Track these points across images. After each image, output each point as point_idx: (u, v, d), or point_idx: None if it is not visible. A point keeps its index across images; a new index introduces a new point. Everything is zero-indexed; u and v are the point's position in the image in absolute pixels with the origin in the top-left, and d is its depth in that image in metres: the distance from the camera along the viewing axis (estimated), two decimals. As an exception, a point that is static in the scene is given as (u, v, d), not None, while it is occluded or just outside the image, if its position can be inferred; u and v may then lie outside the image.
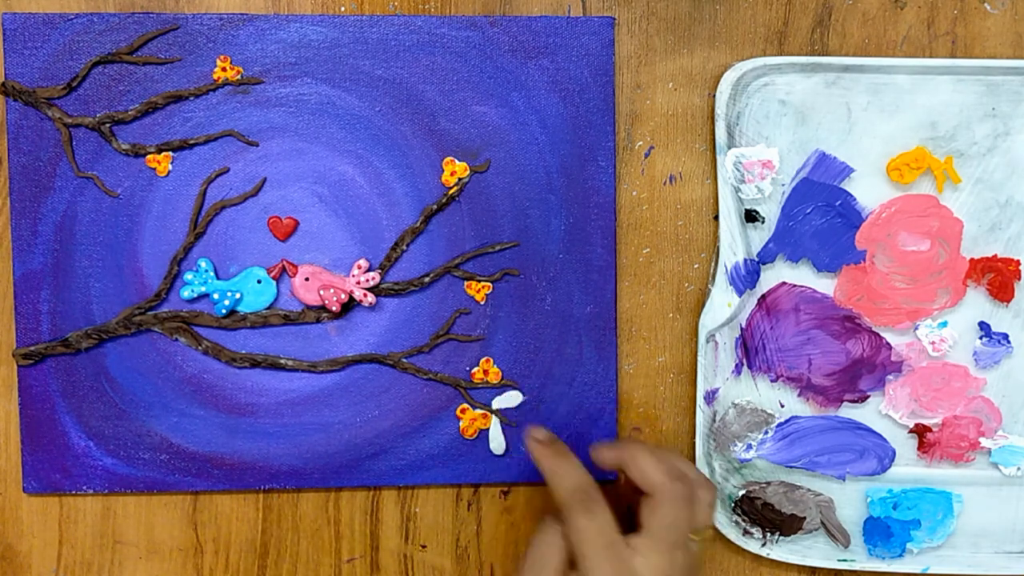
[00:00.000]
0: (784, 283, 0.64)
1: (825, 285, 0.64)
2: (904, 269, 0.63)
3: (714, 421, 0.64)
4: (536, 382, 0.64)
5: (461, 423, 0.63)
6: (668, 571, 0.51)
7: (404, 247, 0.63)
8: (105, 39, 0.61)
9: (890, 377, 0.64)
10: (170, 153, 0.61)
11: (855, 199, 0.63)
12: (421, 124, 0.62)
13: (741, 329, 0.64)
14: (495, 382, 0.63)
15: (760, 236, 0.64)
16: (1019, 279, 0.63)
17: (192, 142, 0.61)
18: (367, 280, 0.62)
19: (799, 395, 0.64)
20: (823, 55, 0.64)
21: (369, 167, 0.62)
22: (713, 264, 0.64)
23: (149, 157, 0.61)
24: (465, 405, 0.63)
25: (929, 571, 0.64)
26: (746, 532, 0.64)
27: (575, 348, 0.64)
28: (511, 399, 0.64)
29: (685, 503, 0.52)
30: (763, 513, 0.64)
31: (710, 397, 0.64)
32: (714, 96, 0.63)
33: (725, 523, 0.64)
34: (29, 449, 0.62)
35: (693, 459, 0.65)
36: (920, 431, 0.64)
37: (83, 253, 0.61)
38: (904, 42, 0.64)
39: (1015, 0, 0.64)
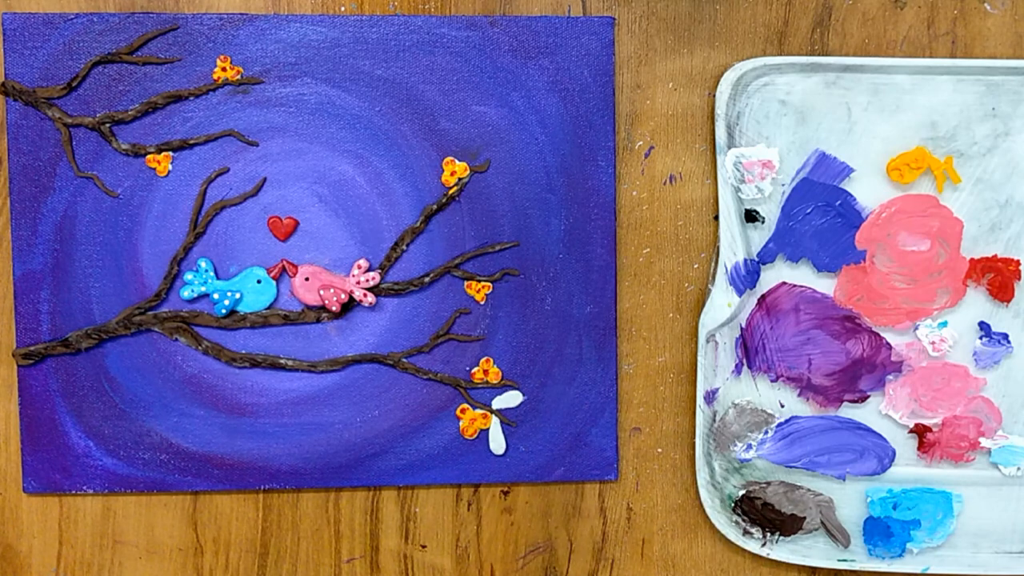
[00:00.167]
0: (784, 283, 0.64)
1: (825, 285, 0.64)
2: (904, 269, 0.63)
3: (714, 421, 0.64)
4: (536, 382, 0.64)
5: (461, 423, 0.63)
6: None
7: (404, 247, 0.63)
8: (105, 39, 0.61)
9: (890, 377, 0.64)
10: (170, 153, 0.61)
11: (855, 199, 0.63)
12: (421, 124, 0.62)
13: (741, 329, 0.64)
14: (495, 382, 0.63)
15: (760, 236, 0.64)
16: (1019, 279, 0.63)
17: (192, 142, 0.61)
18: (367, 280, 0.62)
19: (799, 395, 0.64)
20: (823, 55, 0.64)
21: (369, 167, 0.62)
22: (713, 264, 0.64)
23: (149, 157, 0.61)
24: (465, 405, 0.63)
25: (929, 571, 0.64)
26: (746, 532, 0.64)
27: (575, 348, 0.64)
28: (511, 399, 0.64)
29: None
30: (763, 513, 0.64)
31: (710, 397, 0.64)
32: (714, 96, 0.63)
33: (725, 523, 0.64)
34: (29, 449, 0.62)
35: (693, 459, 0.65)
36: (920, 431, 0.64)
37: (83, 253, 0.61)
38: (904, 42, 0.64)
39: (1015, 0, 0.64)
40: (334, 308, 0.61)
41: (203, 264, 0.62)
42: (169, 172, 0.62)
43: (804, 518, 0.64)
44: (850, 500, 0.65)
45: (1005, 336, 0.64)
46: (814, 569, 0.66)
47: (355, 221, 0.63)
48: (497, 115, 0.62)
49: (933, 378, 0.64)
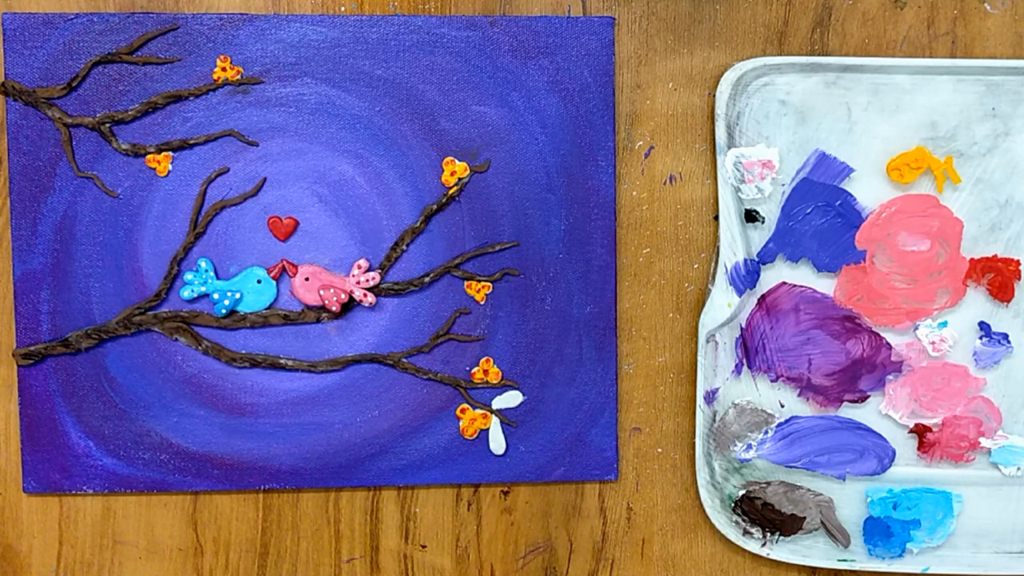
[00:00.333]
0: (784, 283, 0.64)
1: (825, 285, 0.64)
2: (904, 269, 0.63)
3: (714, 421, 0.64)
4: (536, 382, 0.64)
5: (461, 423, 0.63)
6: None
7: (404, 247, 0.63)
8: (105, 39, 0.61)
9: (890, 377, 0.64)
10: (170, 153, 0.61)
11: (855, 199, 0.63)
12: (421, 124, 0.62)
13: (741, 329, 0.64)
14: (495, 382, 0.63)
15: (760, 236, 0.64)
16: (1019, 279, 0.63)
17: (192, 142, 0.61)
18: (367, 280, 0.62)
19: (799, 395, 0.64)
20: (823, 55, 0.64)
21: (369, 167, 0.62)
22: (713, 264, 0.64)
23: (149, 157, 0.61)
24: (465, 405, 0.63)
25: (929, 571, 0.64)
26: (746, 532, 0.64)
27: (575, 348, 0.64)
28: (511, 399, 0.64)
29: None
30: (763, 513, 0.64)
31: (710, 397, 0.64)
32: (714, 96, 0.63)
33: (725, 523, 0.64)
34: (29, 449, 0.62)
35: (693, 459, 0.65)
36: (920, 431, 0.64)
37: (83, 253, 0.61)
38: (904, 42, 0.64)
39: (1015, 0, 0.64)
40: (334, 308, 0.61)
41: (203, 264, 0.62)
42: (169, 172, 0.62)
43: (804, 518, 0.64)
44: (850, 500, 0.65)
45: (1005, 336, 0.64)
46: (814, 569, 0.66)
47: (355, 221, 0.63)
48: (497, 115, 0.62)
49: (933, 378, 0.64)
